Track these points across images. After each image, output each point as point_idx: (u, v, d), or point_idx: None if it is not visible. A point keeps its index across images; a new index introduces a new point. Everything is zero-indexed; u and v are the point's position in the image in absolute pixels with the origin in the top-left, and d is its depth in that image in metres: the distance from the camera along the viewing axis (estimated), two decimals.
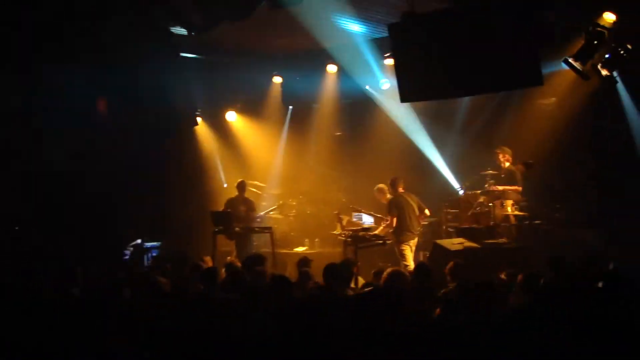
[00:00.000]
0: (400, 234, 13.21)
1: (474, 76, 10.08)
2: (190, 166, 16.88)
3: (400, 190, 13.52)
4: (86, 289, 8.18)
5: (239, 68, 15.83)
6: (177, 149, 16.05)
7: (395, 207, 13.25)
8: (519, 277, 8.01)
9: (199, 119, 16.20)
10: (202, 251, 13.14)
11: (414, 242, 13.34)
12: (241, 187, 14.91)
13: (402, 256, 13.10)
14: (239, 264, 10.38)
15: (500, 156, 13.95)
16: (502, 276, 8.82)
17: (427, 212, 13.58)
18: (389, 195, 14.02)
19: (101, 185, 13.84)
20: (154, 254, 14.74)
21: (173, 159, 16.06)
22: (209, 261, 11.34)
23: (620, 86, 12.40)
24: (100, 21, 10.72)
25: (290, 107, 17.38)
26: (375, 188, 14.57)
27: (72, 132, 12.98)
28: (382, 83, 15.88)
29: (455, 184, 15.44)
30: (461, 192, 14.52)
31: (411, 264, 12.80)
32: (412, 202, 13.37)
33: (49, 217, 13.42)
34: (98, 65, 12.42)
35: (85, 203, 13.80)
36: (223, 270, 13.52)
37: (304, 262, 10.56)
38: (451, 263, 9.28)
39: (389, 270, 8.80)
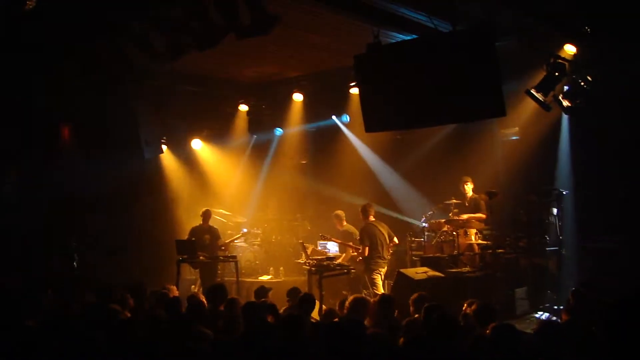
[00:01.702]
0: (371, 262, 13.14)
1: (437, 107, 10.06)
2: (155, 195, 16.72)
3: (372, 218, 13.51)
4: (43, 321, 7.95)
5: (205, 96, 15.77)
6: (142, 177, 15.90)
7: (367, 236, 13.20)
8: (473, 307, 8.07)
9: (164, 147, 16.08)
10: (166, 280, 13.00)
11: (384, 270, 13.28)
12: (206, 215, 14.81)
13: (374, 285, 13.00)
14: (201, 297, 10.24)
15: (466, 185, 14.02)
16: (465, 306, 8.79)
17: (395, 240, 13.55)
18: (345, 223, 14.09)
19: (59, 215, 13.70)
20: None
21: (138, 187, 15.90)
22: (173, 290, 11.19)
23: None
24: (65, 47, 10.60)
25: (255, 135, 17.31)
26: (334, 214, 14.58)
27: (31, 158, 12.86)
28: (346, 116, 15.99)
29: (418, 215, 15.38)
30: (424, 224, 14.52)
31: (381, 292, 12.75)
32: (382, 230, 13.35)
33: None
34: (62, 90, 12.34)
35: (36, 231, 13.70)
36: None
37: (261, 292, 10.51)
38: (415, 295, 9.22)
39: (350, 298, 8.76)
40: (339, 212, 14.59)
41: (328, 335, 6.65)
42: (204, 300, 9.57)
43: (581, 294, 8.40)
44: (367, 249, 13.12)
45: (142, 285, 10.57)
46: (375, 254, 13.14)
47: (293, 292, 10.17)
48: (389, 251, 13.42)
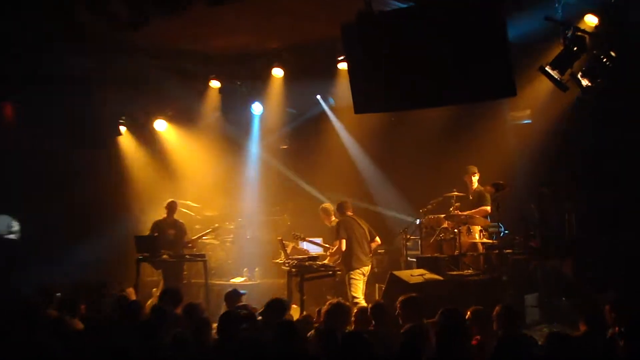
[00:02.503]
0: (350, 259, 13.02)
1: (437, 85, 10.01)
2: (111, 183, 16.58)
3: (349, 213, 13.45)
4: None
5: (170, 70, 15.60)
6: (97, 162, 15.75)
7: (344, 229, 13.11)
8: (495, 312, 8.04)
9: (122, 128, 15.91)
10: (124, 282, 12.90)
11: (366, 270, 13.15)
12: (171, 207, 14.66)
13: (352, 286, 12.90)
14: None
15: (473, 176, 13.96)
16: (468, 314, 8.72)
17: (377, 240, 13.46)
18: (333, 218, 14.02)
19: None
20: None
21: (91, 175, 15.75)
22: (131, 293, 11.10)
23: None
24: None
25: (229, 115, 17.18)
26: (320, 208, 14.49)
27: None
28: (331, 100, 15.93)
29: (413, 211, 15.31)
30: (417, 221, 14.48)
31: (361, 297, 12.73)
32: (362, 225, 13.29)
33: None
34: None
35: None
36: (147, 304, 13.47)
37: (233, 296, 10.41)
38: (405, 296, 9.08)
39: (326, 306, 8.65)
40: (327, 204, 14.50)
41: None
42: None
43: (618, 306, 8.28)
44: (343, 241, 13.02)
45: (102, 287, 10.48)
46: (356, 248, 13.04)
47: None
48: (371, 249, 13.35)
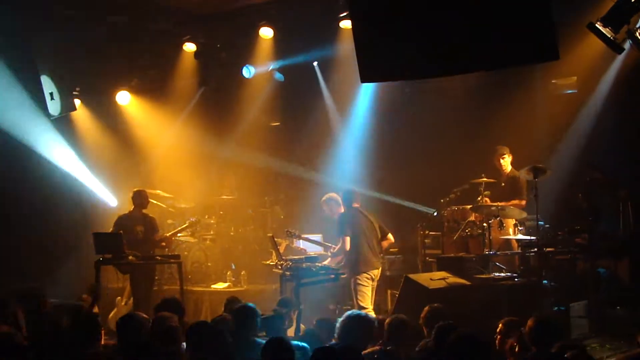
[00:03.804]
0: (356, 261, 13.02)
1: (464, 47, 10.00)
2: (63, 168, 16.56)
3: (356, 205, 13.45)
4: None
5: (136, 31, 15.60)
6: (45, 142, 15.73)
7: (349, 225, 13.12)
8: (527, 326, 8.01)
9: (77, 102, 15.88)
10: (81, 288, 12.92)
11: (376, 274, 13.15)
12: (138, 199, 14.61)
13: (358, 293, 12.89)
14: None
15: (501, 158, 13.97)
16: (500, 326, 8.77)
17: (390, 237, 13.50)
18: (342, 209, 13.91)
19: None
20: None
21: (38, 157, 15.74)
22: (86, 301, 11.10)
23: None
24: None
25: (203, 87, 17.18)
26: (324, 198, 14.43)
27: None
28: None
29: (433, 201, 15.32)
30: (442, 212, 14.52)
31: (370, 307, 12.72)
32: (371, 219, 13.29)
33: None
34: None
35: None
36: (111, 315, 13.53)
37: (232, 304, 10.39)
38: (427, 308, 9.15)
39: (343, 319, 8.62)
40: (332, 194, 14.41)
41: None
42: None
43: None
44: (348, 239, 13.02)
45: (34, 292, 10.45)
46: (364, 247, 13.03)
47: None
48: (382, 248, 13.37)
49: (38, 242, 15.37)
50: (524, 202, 13.55)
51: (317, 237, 14.55)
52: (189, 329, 8.05)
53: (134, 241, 14.03)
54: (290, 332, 10.16)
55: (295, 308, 10.93)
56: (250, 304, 9.03)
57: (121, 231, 14.08)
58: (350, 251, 13.01)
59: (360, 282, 12.94)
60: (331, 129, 16.99)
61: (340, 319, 8.53)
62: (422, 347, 8.04)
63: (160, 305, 9.78)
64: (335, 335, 8.43)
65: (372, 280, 13.06)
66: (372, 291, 13.07)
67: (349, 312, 8.67)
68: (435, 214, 14.64)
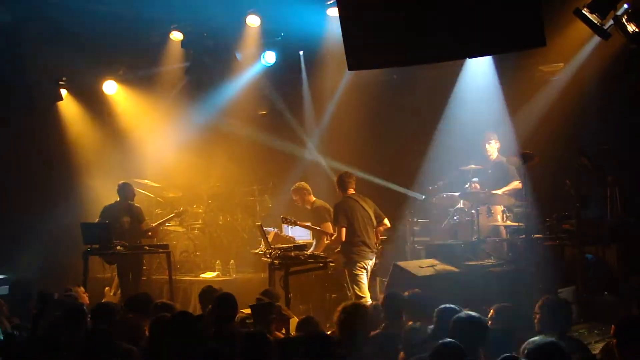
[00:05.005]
0: (352, 249, 12.91)
1: (451, 34, 9.97)
2: (50, 158, 16.52)
3: (351, 191, 13.38)
4: None
5: (122, 20, 15.51)
6: (32, 133, 15.68)
7: (344, 214, 13.06)
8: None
9: (63, 92, 15.82)
10: (68, 279, 12.87)
11: (372, 263, 13.08)
12: (125, 189, 14.58)
13: (355, 283, 12.80)
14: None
15: (487, 144, 13.96)
16: (492, 312, 8.77)
17: (386, 222, 13.41)
18: (312, 197, 14.18)
19: None
20: None
21: (25, 148, 15.69)
22: (81, 293, 11.06)
23: None
24: None
25: (194, 75, 17.11)
26: (293, 188, 14.45)
27: None
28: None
29: (422, 187, 15.34)
30: (423, 196, 14.52)
31: (367, 296, 12.69)
32: (366, 207, 13.24)
33: None
34: None
35: None
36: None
37: (207, 293, 10.37)
38: (409, 292, 9.16)
39: (337, 313, 8.54)
40: (301, 183, 14.43)
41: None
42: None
43: None
44: (343, 230, 12.96)
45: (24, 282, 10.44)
46: (358, 237, 12.93)
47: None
48: (377, 236, 13.34)
49: (27, 233, 15.35)
50: (520, 185, 13.52)
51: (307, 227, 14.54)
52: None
53: (120, 231, 14.07)
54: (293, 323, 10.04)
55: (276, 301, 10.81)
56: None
57: (107, 221, 14.08)
58: (345, 241, 12.94)
59: (356, 272, 12.85)
60: (318, 112, 16.96)
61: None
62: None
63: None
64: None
65: (368, 269, 13.00)
66: (367, 279, 12.99)
67: (344, 305, 8.61)
68: (423, 197, 14.62)
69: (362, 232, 12.95)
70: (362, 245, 12.93)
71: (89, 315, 8.97)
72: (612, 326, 7.10)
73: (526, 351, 6.46)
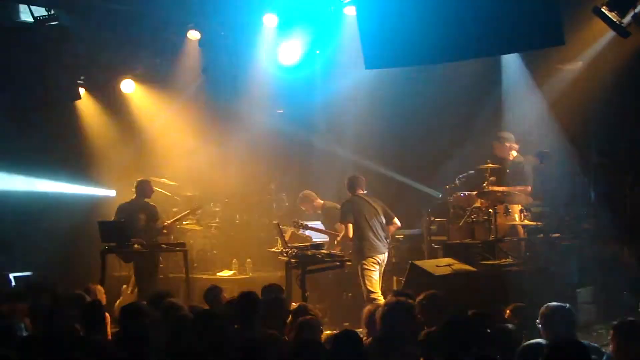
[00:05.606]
0: (363, 244, 12.98)
1: (469, 33, 9.97)
2: (68, 156, 16.54)
3: (360, 192, 13.42)
4: None
5: (140, 19, 15.53)
6: (49, 132, 15.71)
7: (350, 211, 13.10)
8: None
9: (82, 91, 15.84)
10: (87, 277, 12.88)
11: (382, 258, 13.12)
12: (142, 187, 14.58)
13: (366, 278, 12.85)
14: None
15: (501, 146, 13.90)
16: (508, 312, 8.73)
17: (396, 221, 13.46)
18: (319, 201, 14.37)
19: None
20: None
21: (44, 147, 15.72)
22: (99, 291, 11.05)
23: None
24: None
25: (212, 74, 17.10)
26: (298, 200, 14.56)
27: None
28: None
29: (439, 185, 15.28)
30: (440, 195, 14.49)
31: (378, 292, 12.69)
32: (376, 206, 13.26)
33: None
34: None
35: None
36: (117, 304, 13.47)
37: (212, 292, 10.34)
38: (423, 295, 9.06)
39: (382, 308, 8.48)
40: (307, 192, 14.59)
41: None
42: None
43: None
44: (350, 226, 13.00)
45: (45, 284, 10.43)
46: (367, 232, 13.00)
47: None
48: (388, 232, 13.34)
49: (45, 234, 15.39)
50: (529, 189, 13.48)
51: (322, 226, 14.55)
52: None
53: (135, 229, 14.02)
54: None
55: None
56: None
57: (124, 219, 14.08)
58: (355, 237, 13.00)
59: (367, 267, 12.92)
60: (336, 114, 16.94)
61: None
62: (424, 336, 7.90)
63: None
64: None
65: (379, 264, 13.04)
66: (379, 277, 13.04)
67: (387, 300, 8.55)
68: (440, 196, 14.59)
69: (370, 227, 13.06)
70: (372, 239, 13.04)
71: (120, 316, 8.92)
72: (611, 331, 7.10)
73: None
